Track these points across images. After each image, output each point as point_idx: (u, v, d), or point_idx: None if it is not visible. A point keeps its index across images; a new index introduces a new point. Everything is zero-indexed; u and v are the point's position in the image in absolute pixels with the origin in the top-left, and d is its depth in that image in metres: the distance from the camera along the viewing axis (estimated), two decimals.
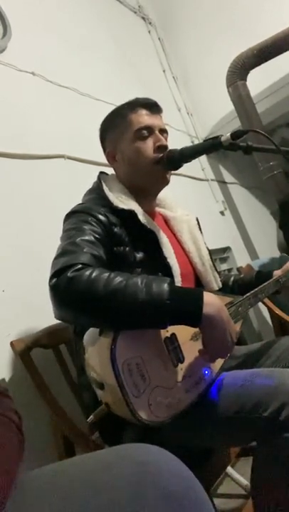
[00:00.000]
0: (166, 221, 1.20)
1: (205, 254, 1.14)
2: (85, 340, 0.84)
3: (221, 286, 1.16)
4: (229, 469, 1.44)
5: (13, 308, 1.21)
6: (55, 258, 0.86)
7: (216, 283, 1.13)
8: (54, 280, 0.79)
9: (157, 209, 1.21)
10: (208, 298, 0.80)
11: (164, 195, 1.23)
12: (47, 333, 1.16)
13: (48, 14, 2.02)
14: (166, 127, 1.14)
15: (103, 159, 1.19)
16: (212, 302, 0.80)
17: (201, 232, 1.21)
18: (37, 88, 1.74)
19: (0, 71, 1.60)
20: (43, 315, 1.09)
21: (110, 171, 1.18)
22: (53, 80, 1.83)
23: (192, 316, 0.79)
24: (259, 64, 2.76)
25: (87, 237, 0.90)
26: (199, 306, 0.78)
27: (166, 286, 0.77)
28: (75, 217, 0.97)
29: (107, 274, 0.78)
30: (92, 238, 0.90)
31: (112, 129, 1.13)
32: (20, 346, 1.11)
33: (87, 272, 0.78)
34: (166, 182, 1.11)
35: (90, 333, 0.83)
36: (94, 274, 0.78)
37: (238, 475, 1.45)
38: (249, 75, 2.82)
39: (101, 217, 0.96)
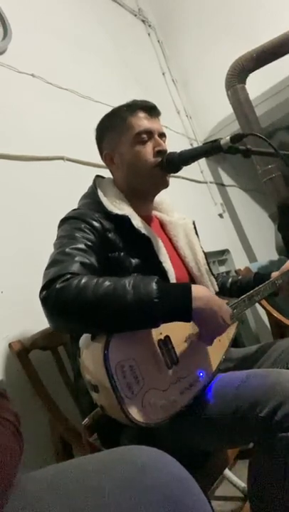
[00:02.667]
0: (162, 225, 1.19)
1: (201, 259, 1.14)
2: (80, 343, 0.84)
3: (217, 290, 1.16)
4: (227, 472, 1.44)
5: (12, 310, 1.21)
6: (46, 268, 0.87)
7: (212, 287, 1.14)
8: (44, 292, 0.80)
9: (154, 213, 1.21)
10: (197, 290, 0.81)
11: (161, 199, 1.22)
12: (45, 335, 1.16)
13: (48, 16, 2.03)
14: (165, 130, 1.14)
15: (102, 161, 1.19)
16: (201, 295, 0.81)
17: (198, 236, 1.21)
18: (37, 90, 1.75)
19: (0, 72, 1.60)
20: (42, 317, 1.08)
21: (109, 173, 1.18)
22: (52, 81, 1.83)
23: (182, 312, 0.80)
24: (258, 67, 2.78)
25: (78, 245, 0.90)
26: (188, 301, 0.79)
27: (154, 285, 0.78)
28: (68, 223, 0.97)
29: (95, 280, 0.79)
30: (84, 246, 0.91)
31: (110, 131, 1.12)
32: (18, 348, 1.11)
33: (76, 281, 0.78)
34: (166, 185, 1.11)
35: (85, 335, 0.83)
36: (82, 282, 0.78)
37: (236, 477, 1.45)
38: (248, 78, 2.83)
39: (95, 223, 0.96)
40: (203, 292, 0.83)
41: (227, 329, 0.87)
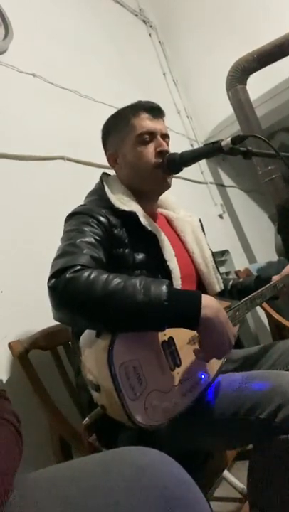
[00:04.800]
0: (169, 222, 1.20)
1: (208, 256, 1.15)
2: (81, 342, 0.83)
3: (222, 287, 1.16)
4: (226, 473, 1.44)
5: (11, 310, 1.21)
6: (55, 259, 0.86)
7: (218, 284, 1.14)
8: (53, 281, 0.80)
9: (160, 210, 1.21)
10: (207, 300, 0.80)
11: (166, 196, 1.23)
12: (45, 335, 1.16)
13: (50, 16, 2.03)
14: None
15: (103, 161, 1.19)
16: (210, 305, 0.80)
17: (204, 234, 1.22)
18: (37, 90, 1.75)
19: (1, 72, 1.60)
20: (41, 316, 1.09)
21: (111, 172, 1.18)
22: (53, 81, 1.83)
23: (190, 318, 0.79)
24: (259, 68, 2.77)
25: (87, 239, 0.90)
26: (197, 308, 0.78)
27: (164, 288, 0.78)
28: (75, 218, 0.98)
29: (105, 276, 0.78)
30: (92, 240, 0.91)
31: (114, 132, 1.13)
32: (18, 348, 1.11)
33: (86, 273, 0.78)
34: (168, 186, 1.11)
35: (87, 334, 0.83)
36: (92, 276, 0.78)
37: (235, 478, 1.45)
38: (249, 79, 2.83)
39: (102, 218, 0.96)
40: (213, 302, 0.81)
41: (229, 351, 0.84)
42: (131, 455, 0.52)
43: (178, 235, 1.17)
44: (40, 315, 1.10)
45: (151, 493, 0.46)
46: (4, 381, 1.12)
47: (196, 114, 3.28)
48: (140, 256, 0.98)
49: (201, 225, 1.24)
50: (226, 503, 1.47)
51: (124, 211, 0.99)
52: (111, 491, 0.45)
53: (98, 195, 1.06)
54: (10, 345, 1.11)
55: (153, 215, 1.12)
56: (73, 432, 1.04)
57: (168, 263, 1.00)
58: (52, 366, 1.16)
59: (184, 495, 0.48)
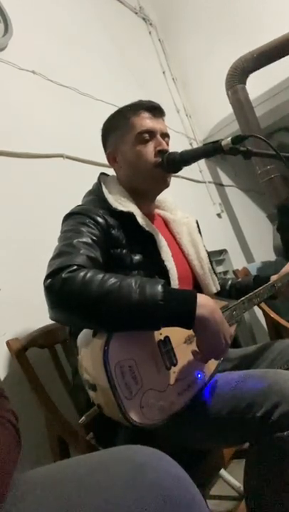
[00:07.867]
0: (166, 223, 1.20)
1: (204, 257, 1.15)
2: (78, 341, 0.84)
3: (219, 289, 1.16)
4: (222, 471, 1.45)
5: (10, 308, 1.21)
6: (51, 259, 0.86)
7: (214, 286, 1.14)
8: (49, 281, 0.80)
9: (157, 211, 1.21)
10: (202, 300, 0.80)
11: (164, 197, 1.23)
12: (43, 333, 1.16)
13: (49, 13, 2.02)
14: None
15: (102, 159, 1.19)
16: (205, 304, 0.80)
17: (201, 235, 1.22)
18: (37, 87, 1.74)
19: (0, 69, 1.60)
20: (40, 315, 1.09)
21: (110, 171, 1.18)
22: (53, 79, 1.83)
23: (185, 317, 0.79)
24: (259, 68, 2.78)
25: (84, 239, 0.90)
26: (192, 307, 0.79)
27: (159, 287, 0.78)
28: (73, 218, 0.98)
29: (101, 276, 0.79)
30: (89, 240, 0.91)
31: (113, 131, 1.13)
32: (16, 346, 1.10)
33: (82, 273, 0.78)
34: (167, 185, 1.11)
35: (84, 334, 0.83)
36: (88, 275, 0.78)
37: (232, 477, 1.45)
38: (248, 78, 2.83)
39: (99, 219, 0.96)
40: (209, 302, 0.81)
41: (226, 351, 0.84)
42: (128, 453, 0.52)
43: (174, 236, 1.17)
44: (38, 313, 1.10)
45: (149, 491, 0.46)
46: (2, 379, 1.12)
47: (195, 112, 3.28)
48: (137, 256, 0.98)
49: (198, 226, 1.24)
50: (222, 502, 1.47)
51: (121, 212, 1.00)
52: (109, 490, 0.45)
53: (96, 195, 1.06)
54: (8, 343, 1.11)
55: (150, 216, 1.12)
56: (71, 430, 1.04)
57: (165, 263, 1.00)
58: (50, 364, 1.16)
59: (181, 493, 0.49)
